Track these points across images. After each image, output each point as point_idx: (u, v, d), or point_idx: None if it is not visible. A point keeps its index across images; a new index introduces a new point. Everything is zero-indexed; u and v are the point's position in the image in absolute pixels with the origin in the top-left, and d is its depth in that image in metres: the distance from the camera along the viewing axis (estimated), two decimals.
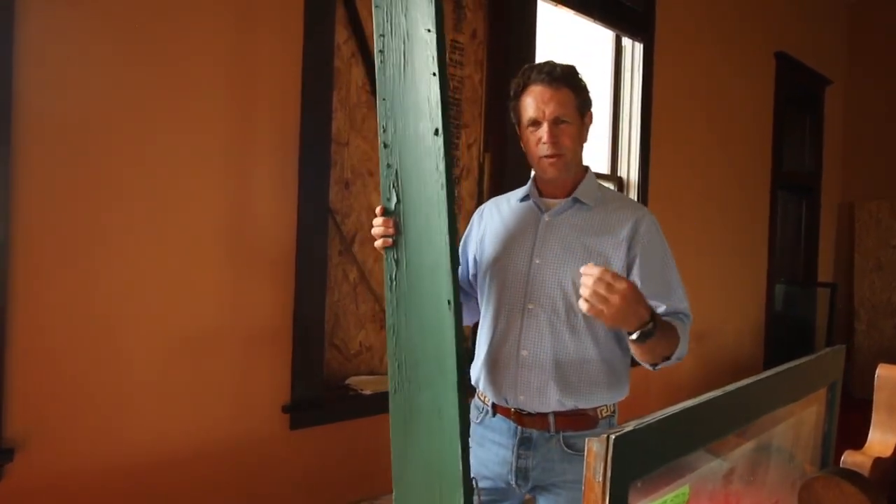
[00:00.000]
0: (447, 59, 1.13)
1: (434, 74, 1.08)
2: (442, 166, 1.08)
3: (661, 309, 1.25)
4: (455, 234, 1.11)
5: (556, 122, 1.28)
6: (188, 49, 1.75)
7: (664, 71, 3.49)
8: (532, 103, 1.30)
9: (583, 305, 1.08)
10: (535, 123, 1.30)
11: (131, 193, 1.66)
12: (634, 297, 1.07)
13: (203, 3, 1.76)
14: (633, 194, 3.37)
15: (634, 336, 1.11)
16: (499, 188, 2.51)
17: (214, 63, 1.80)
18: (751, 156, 4.38)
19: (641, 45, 3.36)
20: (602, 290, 1.04)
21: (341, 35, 2.16)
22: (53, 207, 1.54)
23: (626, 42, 3.39)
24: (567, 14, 2.98)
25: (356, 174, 2.23)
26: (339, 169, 2.18)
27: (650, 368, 1.25)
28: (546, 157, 1.30)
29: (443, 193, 1.09)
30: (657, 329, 1.12)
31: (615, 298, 1.04)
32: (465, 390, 1.09)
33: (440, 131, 1.08)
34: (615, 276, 1.06)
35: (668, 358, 1.22)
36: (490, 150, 2.65)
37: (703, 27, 3.81)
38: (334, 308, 2.19)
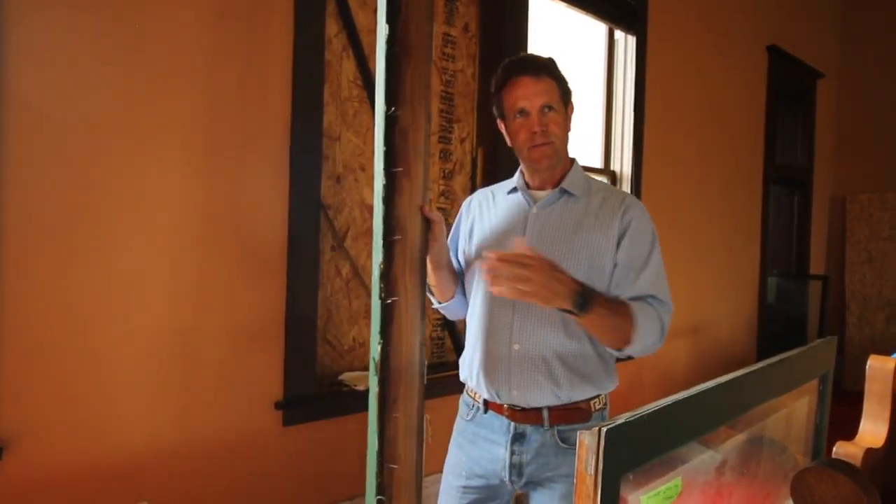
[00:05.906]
0: (400, 42, 1.13)
1: (381, 53, 1.09)
2: (382, 147, 1.09)
3: (626, 294, 1.25)
4: (389, 221, 1.12)
5: (543, 111, 1.31)
6: (176, 43, 1.73)
7: (657, 64, 3.49)
8: (519, 94, 1.31)
9: (504, 292, 1.04)
10: (524, 113, 1.31)
11: (119, 190, 1.64)
12: (552, 265, 1.07)
13: None
14: (626, 188, 3.37)
15: (574, 309, 1.11)
16: (492, 183, 2.50)
17: (203, 57, 1.78)
18: (743, 149, 4.39)
19: (634, 39, 3.35)
20: (519, 270, 1.02)
21: (332, 28, 2.14)
22: (41, 206, 1.53)
23: (619, 35, 3.39)
24: (559, 7, 2.98)
25: (348, 169, 2.22)
26: (330, 163, 2.17)
27: (617, 354, 1.26)
28: (537, 145, 1.31)
29: (380, 177, 1.09)
30: (593, 299, 1.13)
31: (534, 273, 1.02)
32: (385, 393, 1.09)
33: (383, 111, 1.09)
34: (525, 254, 1.05)
35: (629, 342, 1.20)
36: (483, 145, 2.64)
37: (695, 20, 3.81)
38: (327, 304, 2.18)
